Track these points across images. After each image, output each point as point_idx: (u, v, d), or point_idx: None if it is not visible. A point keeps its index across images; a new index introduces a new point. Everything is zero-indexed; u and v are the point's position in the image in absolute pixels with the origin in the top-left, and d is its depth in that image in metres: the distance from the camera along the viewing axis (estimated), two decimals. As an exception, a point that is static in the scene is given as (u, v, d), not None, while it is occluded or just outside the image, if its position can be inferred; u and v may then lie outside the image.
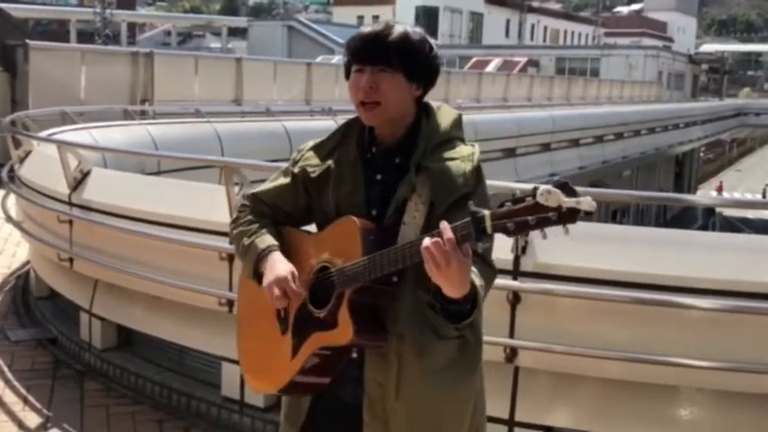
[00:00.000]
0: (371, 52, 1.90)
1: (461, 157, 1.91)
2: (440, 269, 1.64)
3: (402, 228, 1.85)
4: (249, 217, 2.07)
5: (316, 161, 2.02)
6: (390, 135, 1.96)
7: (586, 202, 1.53)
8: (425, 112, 1.99)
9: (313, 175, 2.00)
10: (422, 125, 1.96)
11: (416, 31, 1.94)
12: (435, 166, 1.88)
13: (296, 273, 1.92)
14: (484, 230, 1.62)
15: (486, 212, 1.61)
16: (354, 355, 1.93)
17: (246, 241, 2.02)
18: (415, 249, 1.71)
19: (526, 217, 1.58)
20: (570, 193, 1.54)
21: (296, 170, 2.04)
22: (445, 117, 2.00)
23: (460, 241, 1.64)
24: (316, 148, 2.05)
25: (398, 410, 1.89)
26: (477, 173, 1.91)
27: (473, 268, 1.76)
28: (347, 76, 1.97)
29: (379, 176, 1.96)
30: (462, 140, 1.99)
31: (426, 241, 1.65)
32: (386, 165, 1.96)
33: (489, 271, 1.90)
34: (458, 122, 2.01)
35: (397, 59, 1.89)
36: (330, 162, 1.99)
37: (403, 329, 1.88)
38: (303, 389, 2.00)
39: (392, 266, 1.77)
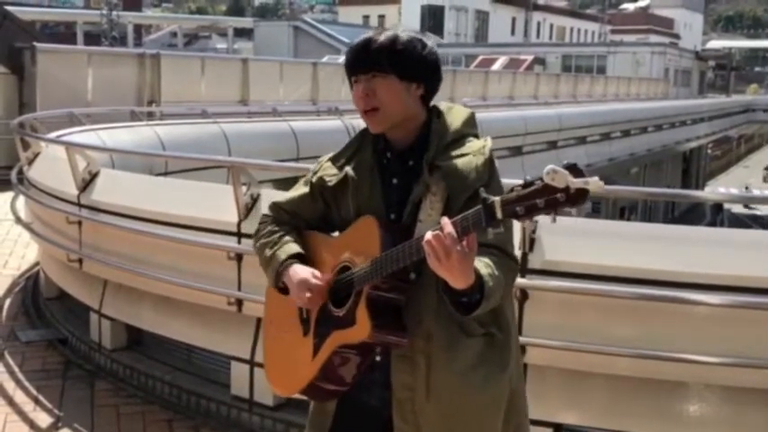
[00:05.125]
0: (360, 61, 1.95)
1: (473, 152, 1.92)
2: (441, 262, 1.66)
3: (418, 225, 1.88)
4: (269, 227, 2.11)
5: (333, 170, 2.05)
6: (403, 138, 1.99)
7: (594, 183, 1.53)
8: (436, 113, 2.01)
9: (330, 184, 2.03)
10: (432, 126, 1.98)
11: (405, 32, 1.97)
12: (447, 164, 1.90)
13: (316, 272, 1.95)
14: (494, 216, 1.62)
15: (497, 198, 1.62)
16: (378, 357, 1.94)
17: (269, 252, 2.06)
18: (420, 244, 1.72)
19: (535, 200, 1.57)
20: (578, 174, 1.53)
21: (314, 180, 2.08)
22: (457, 116, 2.01)
23: (461, 233, 1.66)
24: (333, 159, 2.08)
25: (429, 411, 1.90)
26: (489, 165, 1.92)
27: (486, 260, 1.79)
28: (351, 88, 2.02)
29: (395, 180, 1.98)
30: (476, 136, 2.00)
31: (427, 235, 1.68)
32: (401, 168, 1.98)
33: (509, 261, 1.90)
34: (470, 120, 2.03)
35: (386, 62, 1.92)
36: (347, 170, 2.01)
37: (430, 329, 1.88)
38: (324, 392, 1.99)
39: (401, 262, 1.79)
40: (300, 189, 2.12)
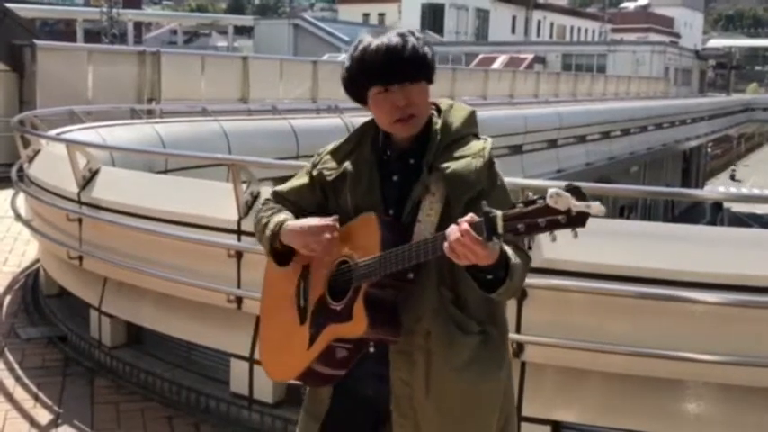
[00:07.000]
0: (395, 71, 1.89)
1: (472, 154, 1.92)
2: (467, 259, 1.68)
3: (417, 225, 1.90)
4: (270, 205, 2.13)
5: (332, 164, 2.06)
6: (406, 137, 1.98)
7: (596, 207, 1.56)
8: (437, 111, 2.02)
9: (329, 179, 2.04)
10: (433, 125, 1.98)
11: (412, 34, 1.94)
12: (447, 166, 1.90)
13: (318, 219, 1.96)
14: (495, 230, 1.64)
15: (498, 213, 1.64)
16: (371, 349, 1.96)
17: (264, 220, 2.08)
18: (432, 246, 1.76)
19: (536, 219, 1.60)
20: (580, 197, 1.56)
21: (314, 173, 2.09)
22: (457, 115, 2.01)
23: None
24: (333, 153, 2.09)
25: (427, 406, 1.93)
26: (488, 168, 1.92)
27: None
28: (358, 97, 1.96)
29: (395, 177, 1.99)
30: (476, 136, 2.00)
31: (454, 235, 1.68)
32: (401, 166, 1.99)
33: (522, 253, 1.91)
34: (470, 119, 2.02)
35: (417, 68, 1.91)
36: (346, 165, 2.02)
37: (429, 326, 1.91)
38: (318, 379, 2.04)
39: (407, 262, 1.81)
40: (301, 179, 2.13)
